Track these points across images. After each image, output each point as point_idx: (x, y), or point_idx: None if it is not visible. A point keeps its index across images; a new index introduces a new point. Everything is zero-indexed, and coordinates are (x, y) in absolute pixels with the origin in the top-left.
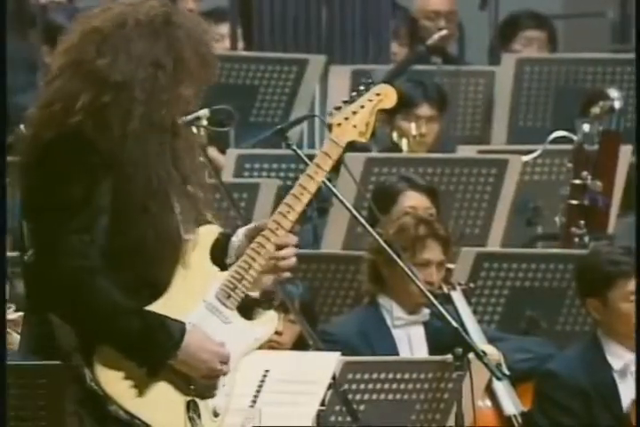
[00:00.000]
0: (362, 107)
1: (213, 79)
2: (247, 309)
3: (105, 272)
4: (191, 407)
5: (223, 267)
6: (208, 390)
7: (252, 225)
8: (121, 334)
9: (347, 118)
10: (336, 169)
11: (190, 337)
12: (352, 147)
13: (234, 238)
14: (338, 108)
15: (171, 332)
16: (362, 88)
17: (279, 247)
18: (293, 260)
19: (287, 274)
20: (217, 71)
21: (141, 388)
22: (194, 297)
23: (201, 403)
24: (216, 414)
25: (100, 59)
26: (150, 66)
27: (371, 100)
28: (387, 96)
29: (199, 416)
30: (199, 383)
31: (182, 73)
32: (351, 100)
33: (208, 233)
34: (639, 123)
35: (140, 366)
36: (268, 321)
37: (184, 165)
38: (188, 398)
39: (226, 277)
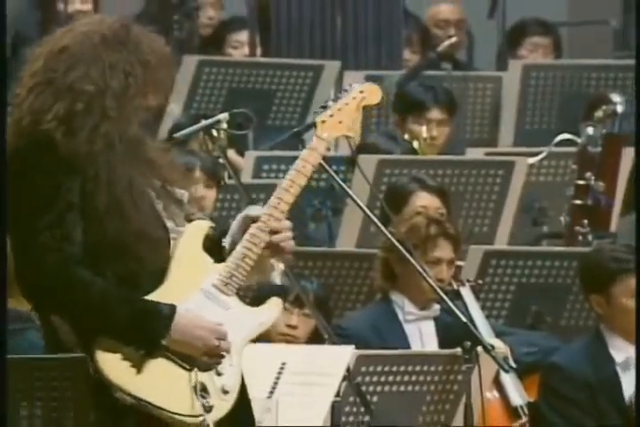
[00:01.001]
0: (346, 104)
1: (169, 94)
2: (260, 302)
3: (89, 265)
4: (198, 389)
5: (217, 260)
6: (210, 368)
7: (244, 214)
8: (111, 320)
9: (332, 115)
10: (352, 169)
11: (182, 317)
12: (373, 149)
13: (232, 224)
14: (324, 108)
15: (161, 312)
16: (346, 89)
17: (274, 233)
18: (291, 242)
19: (289, 256)
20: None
21: (143, 372)
22: (190, 287)
23: (209, 383)
24: (225, 392)
25: (72, 72)
26: (122, 74)
27: (355, 98)
28: (370, 93)
29: (208, 395)
30: (201, 363)
31: (149, 82)
32: (336, 99)
33: (198, 227)
34: (639, 127)
35: (136, 349)
36: (273, 306)
37: (157, 165)
38: (195, 379)
39: (222, 266)
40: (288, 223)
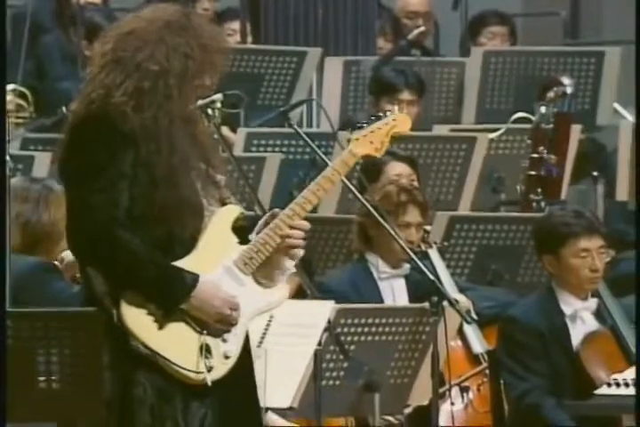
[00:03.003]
0: (379, 128)
1: (225, 69)
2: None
3: (130, 228)
4: (204, 349)
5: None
6: (220, 334)
7: (270, 212)
8: (141, 279)
9: (365, 135)
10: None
11: (202, 286)
12: (347, 125)
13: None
14: (360, 127)
15: (185, 280)
16: (381, 114)
17: (291, 228)
18: (301, 241)
19: (299, 252)
20: (228, 62)
21: (160, 328)
22: (213, 262)
23: (214, 347)
24: (227, 357)
25: (139, 53)
26: (183, 57)
27: (387, 124)
28: (402, 122)
29: (211, 357)
30: (213, 328)
31: (206, 64)
32: (371, 122)
33: (230, 211)
34: (639, 117)
35: (157, 308)
36: (283, 291)
37: (204, 148)
38: (202, 341)
39: (245, 248)
40: (306, 224)
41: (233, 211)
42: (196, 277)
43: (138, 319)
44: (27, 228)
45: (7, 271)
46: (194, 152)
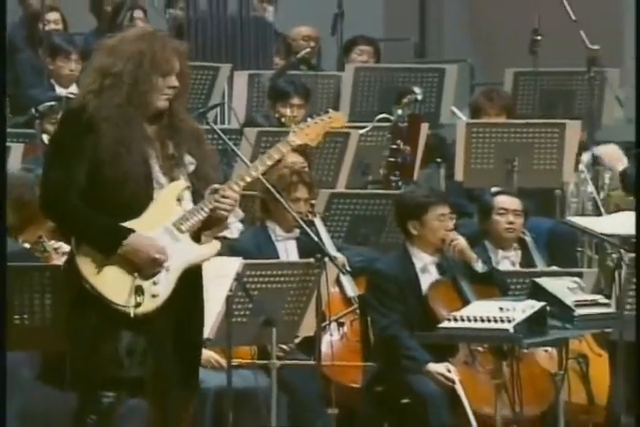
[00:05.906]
0: (316, 123)
1: (188, 73)
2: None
3: (82, 196)
4: (138, 289)
5: None
6: (150, 276)
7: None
8: (87, 232)
9: (302, 129)
10: (240, 137)
11: (134, 236)
12: (254, 124)
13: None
14: (299, 123)
15: (120, 232)
16: (322, 113)
17: (224, 197)
18: (228, 207)
19: (224, 213)
20: (189, 69)
21: (102, 271)
22: (157, 224)
23: (145, 288)
24: (154, 296)
25: (107, 59)
26: (133, 64)
27: (323, 120)
28: (336, 119)
29: (142, 295)
30: (144, 271)
31: (155, 72)
32: (312, 118)
33: (177, 185)
34: (638, 120)
35: (99, 251)
36: (212, 246)
37: (180, 135)
38: (135, 283)
39: (184, 212)
40: (236, 196)
41: (179, 185)
42: (129, 230)
43: (87, 264)
44: (23, 205)
45: (5, 235)
46: (165, 139)
